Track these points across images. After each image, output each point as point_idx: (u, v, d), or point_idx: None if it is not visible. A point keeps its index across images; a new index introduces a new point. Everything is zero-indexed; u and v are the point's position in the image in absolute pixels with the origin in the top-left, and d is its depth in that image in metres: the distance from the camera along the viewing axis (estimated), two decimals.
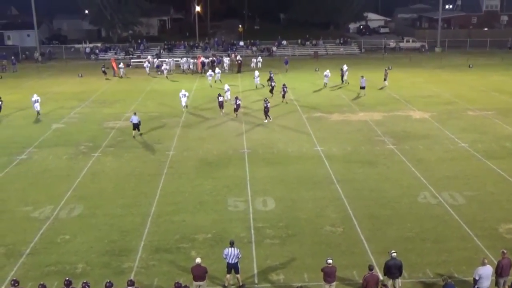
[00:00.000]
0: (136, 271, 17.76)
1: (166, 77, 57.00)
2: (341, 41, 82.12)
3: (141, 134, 33.78)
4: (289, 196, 24.04)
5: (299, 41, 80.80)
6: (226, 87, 43.24)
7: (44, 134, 34.49)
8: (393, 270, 15.45)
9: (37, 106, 39.57)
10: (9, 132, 35.54)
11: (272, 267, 17.94)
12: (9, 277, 17.35)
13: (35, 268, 18.25)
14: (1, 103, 40.08)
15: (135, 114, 34.11)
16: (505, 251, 15.40)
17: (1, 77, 58.36)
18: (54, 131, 35.51)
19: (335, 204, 23.16)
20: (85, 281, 14.97)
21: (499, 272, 15.22)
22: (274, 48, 77.16)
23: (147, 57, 66.29)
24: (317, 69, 60.00)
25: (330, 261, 15.45)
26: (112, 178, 26.67)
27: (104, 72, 58.20)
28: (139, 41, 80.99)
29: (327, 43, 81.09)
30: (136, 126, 33.55)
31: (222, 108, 39.28)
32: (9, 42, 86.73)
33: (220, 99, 39.22)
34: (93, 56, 74.65)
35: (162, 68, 58.36)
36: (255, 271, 17.81)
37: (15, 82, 56.33)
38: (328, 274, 15.47)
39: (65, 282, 14.77)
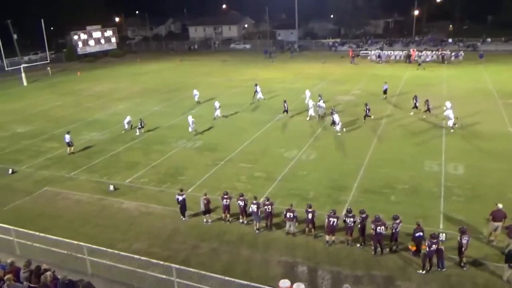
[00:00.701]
0: (349, 203, 17.97)
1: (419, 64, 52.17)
2: None
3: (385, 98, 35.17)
4: (477, 165, 21.32)
5: (503, 39, 68.81)
6: None
7: (296, 101, 36.05)
8: None
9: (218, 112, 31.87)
10: (273, 99, 37.92)
11: (456, 219, 16.38)
12: (267, 193, 19.09)
13: (283, 190, 19.72)
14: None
15: (385, 83, 35.96)
16: None
17: (272, 62, 62.54)
18: (302, 100, 36.58)
19: None
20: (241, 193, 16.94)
21: None
22: (479, 44, 67.17)
23: (372, 50, 64.02)
24: None
25: None
26: (337, 136, 26.94)
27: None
28: (367, 37, 78.56)
29: None
30: (385, 92, 35.71)
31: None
32: (279, 38, 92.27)
33: None
34: (333, 48, 75.05)
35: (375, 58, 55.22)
36: (441, 219, 16.48)
37: (280, 65, 59.35)
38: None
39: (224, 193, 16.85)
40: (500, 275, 13.09)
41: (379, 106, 33.38)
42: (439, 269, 13.60)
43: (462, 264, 13.64)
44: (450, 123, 26.62)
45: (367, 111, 29.41)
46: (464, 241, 13.38)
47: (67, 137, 25.86)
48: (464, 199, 17.98)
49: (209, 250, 15.33)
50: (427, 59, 55.82)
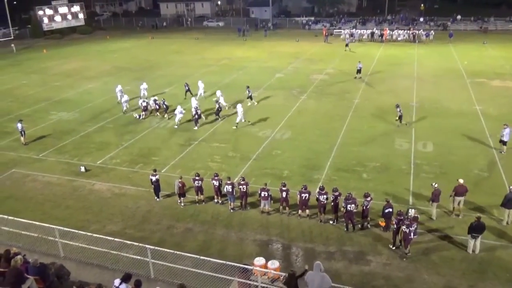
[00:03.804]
0: (322, 181, 18.23)
1: (346, 45, 50.80)
2: (511, 19, 68.97)
3: (360, 77, 35.28)
4: (446, 142, 21.97)
5: (472, 18, 70.09)
6: None
7: (270, 80, 36.12)
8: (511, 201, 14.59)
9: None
10: (247, 78, 37.55)
11: (424, 195, 16.90)
12: (241, 173, 19.14)
13: (257, 169, 19.80)
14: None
15: (359, 62, 35.77)
16: None
17: (246, 40, 61.78)
18: (277, 79, 36.93)
19: (485, 153, 20.58)
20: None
21: None
22: (449, 23, 68.18)
23: (345, 29, 64.06)
24: (485, 42, 51.84)
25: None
26: (312, 115, 27.10)
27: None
28: (341, 16, 78.58)
29: (497, 20, 68.87)
30: (359, 71, 35.41)
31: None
32: (252, 16, 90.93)
33: None
34: (307, 27, 74.62)
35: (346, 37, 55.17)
36: (410, 196, 16.99)
37: (254, 43, 58.77)
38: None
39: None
40: (465, 246, 13.70)
41: (353, 85, 33.76)
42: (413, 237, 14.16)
43: (406, 252, 13.51)
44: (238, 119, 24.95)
45: (218, 110, 26.34)
46: (411, 229, 13.19)
47: (19, 126, 23.23)
48: (433, 175, 18.53)
49: (184, 230, 15.33)
50: (399, 38, 56.55)
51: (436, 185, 15.37)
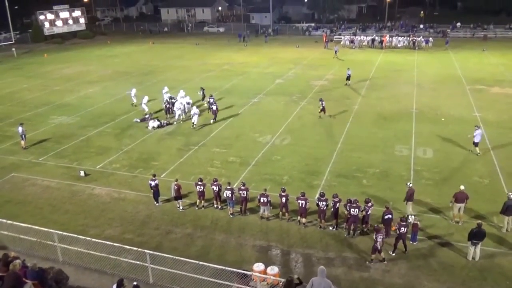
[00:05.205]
0: (321, 187, 18.21)
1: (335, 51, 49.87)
2: (511, 26, 69.23)
3: (349, 84, 35.57)
4: (445, 149, 21.97)
5: (471, 25, 70.39)
6: None
7: (270, 86, 36.18)
8: (510, 208, 14.59)
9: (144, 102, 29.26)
10: (248, 83, 37.91)
11: (424, 202, 16.88)
12: (241, 178, 19.11)
13: (257, 175, 19.76)
14: None
15: (348, 69, 36.05)
16: None
17: (246, 45, 61.94)
18: (277, 84, 36.98)
19: (485, 160, 20.56)
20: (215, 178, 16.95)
21: None
22: (448, 31, 68.45)
23: (345, 35, 64.33)
24: (484, 49, 51.96)
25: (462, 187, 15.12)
26: (312, 120, 27.12)
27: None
28: (341, 22, 78.93)
29: (497, 28, 69.14)
30: (348, 78, 35.69)
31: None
32: (253, 21, 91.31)
33: None
34: (307, 33, 74.92)
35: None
36: (410, 202, 16.90)
37: (254, 49, 58.77)
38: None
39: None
40: (465, 252, 13.66)
41: (352, 91, 33.83)
42: (411, 242, 14.24)
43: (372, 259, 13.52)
44: (153, 124, 25.82)
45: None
46: (379, 240, 13.15)
47: (20, 129, 23.21)
48: (432, 182, 18.52)
49: (183, 236, 15.28)
50: (399, 45, 56.76)
51: (410, 185, 15.87)
